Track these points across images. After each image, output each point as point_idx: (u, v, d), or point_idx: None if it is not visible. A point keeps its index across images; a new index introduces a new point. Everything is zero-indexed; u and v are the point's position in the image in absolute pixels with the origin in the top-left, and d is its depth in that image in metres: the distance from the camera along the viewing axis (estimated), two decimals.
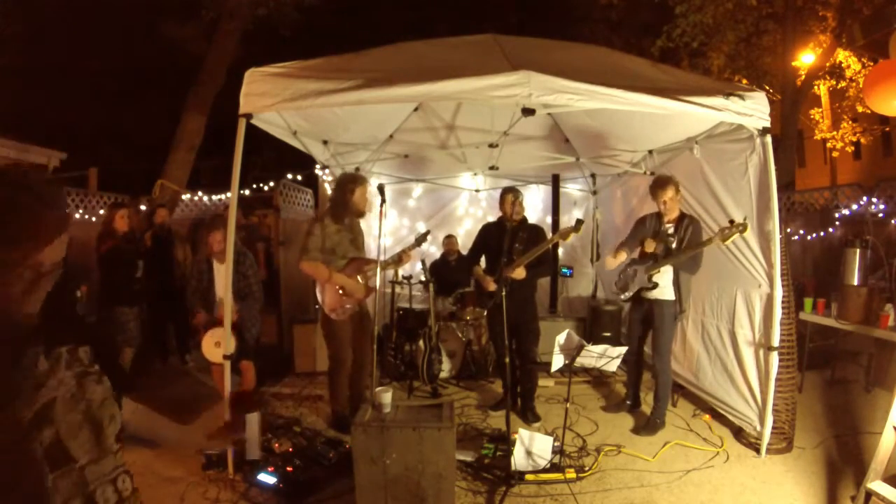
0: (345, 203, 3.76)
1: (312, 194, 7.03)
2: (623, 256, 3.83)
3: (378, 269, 3.70)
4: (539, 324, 4.20)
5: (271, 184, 7.23)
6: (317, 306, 3.83)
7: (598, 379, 4.88)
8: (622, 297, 3.90)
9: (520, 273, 3.78)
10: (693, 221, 3.67)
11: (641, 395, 4.19)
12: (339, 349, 3.80)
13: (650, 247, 3.67)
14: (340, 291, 3.73)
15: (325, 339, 3.89)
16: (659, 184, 3.69)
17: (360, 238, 3.95)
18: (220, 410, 3.34)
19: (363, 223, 4.11)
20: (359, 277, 3.77)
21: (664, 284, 3.67)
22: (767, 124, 3.27)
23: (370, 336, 3.92)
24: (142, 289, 4.72)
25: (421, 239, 3.93)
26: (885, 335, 3.92)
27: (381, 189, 3.72)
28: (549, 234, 4.29)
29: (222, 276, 3.76)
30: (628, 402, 4.18)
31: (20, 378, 0.98)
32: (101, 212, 6.63)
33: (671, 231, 3.68)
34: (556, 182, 5.83)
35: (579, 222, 3.60)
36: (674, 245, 3.61)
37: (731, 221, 3.32)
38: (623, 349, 3.21)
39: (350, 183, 3.79)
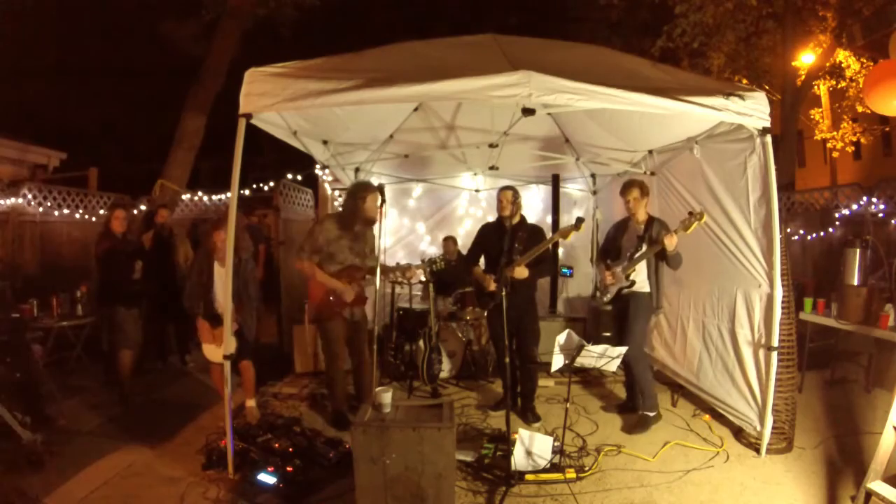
0: (355, 211, 3.80)
1: (312, 194, 7.04)
2: (611, 274, 3.92)
3: (378, 276, 3.73)
4: (539, 324, 4.20)
5: (271, 184, 7.23)
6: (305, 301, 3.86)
7: (597, 379, 4.88)
8: (604, 299, 3.97)
9: (521, 272, 3.78)
10: (662, 223, 3.82)
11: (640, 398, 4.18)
12: (331, 346, 3.86)
13: (609, 278, 3.90)
14: (331, 296, 3.78)
15: (320, 338, 3.97)
16: (625, 186, 3.92)
17: (368, 247, 3.95)
18: None
19: None
20: (349, 284, 3.80)
21: (640, 279, 3.81)
22: (767, 124, 3.26)
23: (366, 339, 4.00)
24: (140, 290, 4.71)
25: (432, 263, 4.03)
26: (885, 335, 3.91)
27: (381, 189, 3.73)
28: (549, 234, 4.29)
29: (221, 278, 3.77)
30: (628, 404, 4.18)
31: None
32: (102, 212, 6.64)
33: (641, 232, 3.84)
34: (556, 182, 5.83)
35: (580, 220, 3.61)
36: (645, 244, 3.75)
37: (690, 212, 3.51)
38: (623, 349, 3.21)
39: (362, 191, 3.84)
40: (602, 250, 4.19)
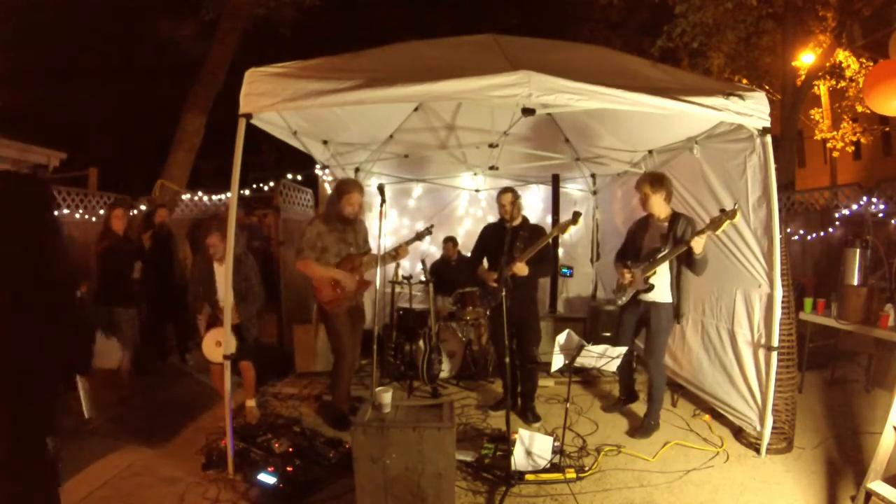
0: (333, 206, 3.88)
1: (312, 194, 7.05)
2: (629, 274, 3.73)
3: (378, 264, 3.80)
4: (540, 324, 4.20)
5: (271, 184, 7.23)
6: (317, 302, 3.87)
7: (597, 379, 4.88)
8: (619, 301, 3.84)
9: (521, 269, 3.76)
10: (688, 220, 3.61)
11: (641, 395, 4.18)
12: (339, 342, 3.87)
13: (626, 278, 3.71)
14: (336, 287, 3.79)
15: (327, 335, 3.97)
16: (638, 181, 3.74)
17: (360, 237, 4.00)
18: None
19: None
20: (350, 272, 3.85)
21: (661, 286, 3.62)
22: (767, 124, 3.26)
23: (360, 330, 4.03)
24: (139, 290, 4.71)
25: (423, 234, 3.97)
26: (885, 335, 3.91)
27: (381, 189, 3.73)
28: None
29: (223, 277, 3.78)
30: (623, 399, 4.18)
31: None
32: (102, 212, 6.63)
33: (665, 230, 3.63)
34: (556, 182, 5.83)
35: (577, 214, 3.57)
36: (669, 243, 3.55)
37: (722, 210, 3.28)
38: (623, 349, 3.21)
39: (339, 190, 3.88)
40: (621, 250, 3.96)
